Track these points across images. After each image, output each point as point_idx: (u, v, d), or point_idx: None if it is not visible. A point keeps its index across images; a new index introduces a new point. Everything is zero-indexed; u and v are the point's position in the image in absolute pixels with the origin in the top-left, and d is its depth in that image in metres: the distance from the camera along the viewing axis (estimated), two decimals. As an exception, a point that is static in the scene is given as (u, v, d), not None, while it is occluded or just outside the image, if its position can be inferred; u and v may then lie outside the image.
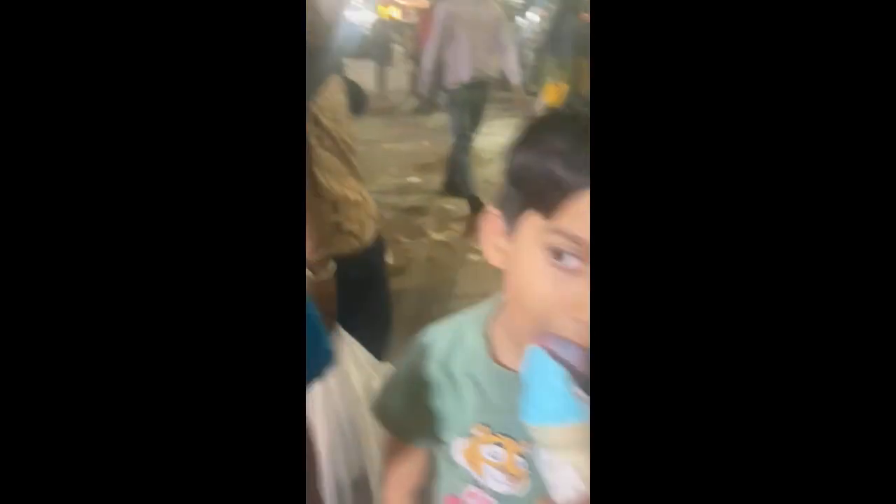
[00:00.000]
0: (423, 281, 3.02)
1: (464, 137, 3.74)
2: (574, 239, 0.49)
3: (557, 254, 0.51)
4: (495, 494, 0.68)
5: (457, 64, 3.48)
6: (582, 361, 0.52)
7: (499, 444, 0.66)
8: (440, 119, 4.76)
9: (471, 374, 0.66)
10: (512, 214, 0.57)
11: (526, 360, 0.54)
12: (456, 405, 0.67)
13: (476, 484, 0.68)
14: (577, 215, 0.49)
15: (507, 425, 0.65)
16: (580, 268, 0.50)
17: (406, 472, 0.74)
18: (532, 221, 0.54)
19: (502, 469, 0.66)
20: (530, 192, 0.54)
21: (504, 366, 0.65)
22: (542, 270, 0.52)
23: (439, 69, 3.56)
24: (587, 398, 0.51)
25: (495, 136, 4.26)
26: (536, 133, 0.56)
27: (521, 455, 0.66)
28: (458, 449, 0.68)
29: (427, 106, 5.89)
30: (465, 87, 3.54)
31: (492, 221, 0.61)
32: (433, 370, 0.67)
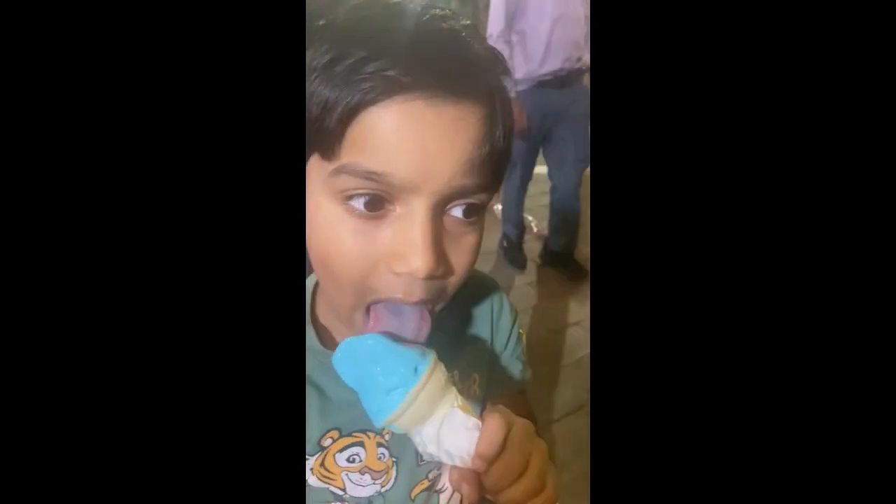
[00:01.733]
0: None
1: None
2: (366, 174, 0.40)
3: (348, 198, 0.41)
4: (364, 501, 0.58)
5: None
6: (418, 322, 0.45)
7: (356, 444, 0.56)
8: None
9: (308, 377, 0.55)
10: None
11: (339, 368, 0.45)
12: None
13: (341, 500, 0.57)
14: (360, 144, 0.40)
15: (361, 420, 0.51)
16: (387, 208, 0.42)
17: None
18: (314, 167, 0.43)
19: (364, 470, 0.57)
20: (305, 132, 0.42)
21: None
22: (340, 225, 0.42)
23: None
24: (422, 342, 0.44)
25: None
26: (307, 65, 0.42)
27: (382, 445, 0.57)
28: (307, 471, 0.56)
29: None
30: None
31: None
32: None
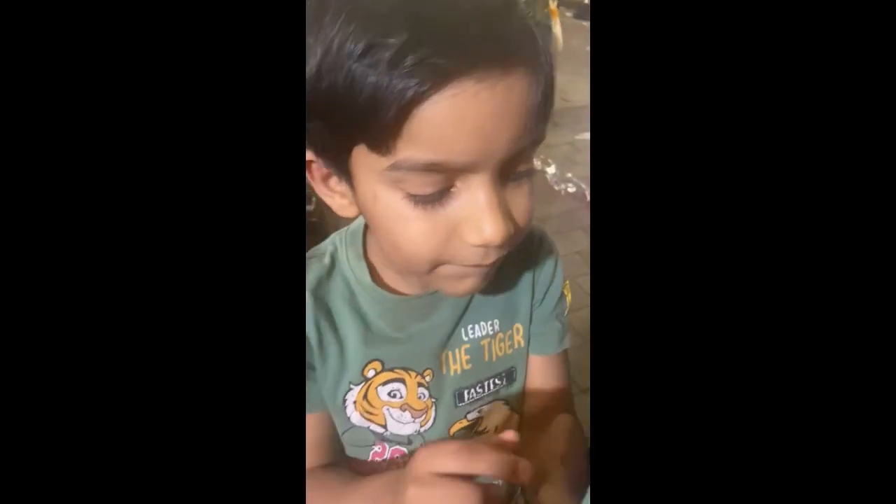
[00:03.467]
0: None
1: None
2: (426, 167, 0.39)
3: (409, 189, 0.41)
4: (403, 439, 0.60)
5: None
6: None
7: (398, 380, 0.58)
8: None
9: (354, 304, 0.56)
10: (334, 154, 0.43)
11: None
12: (339, 349, 0.56)
13: (382, 438, 0.59)
14: (417, 138, 0.38)
15: (403, 356, 0.57)
16: (450, 186, 0.41)
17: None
18: (365, 160, 0.41)
19: (404, 407, 0.59)
20: (340, 125, 0.40)
21: (392, 289, 0.56)
22: (407, 214, 0.42)
23: None
24: None
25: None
26: (335, 49, 0.38)
27: (422, 385, 0.58)
28: (350, 403, 0.57)
29: None
30: None
31: (314, 169, 0.47)
32: (308, 306, 0.55)
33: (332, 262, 0.57)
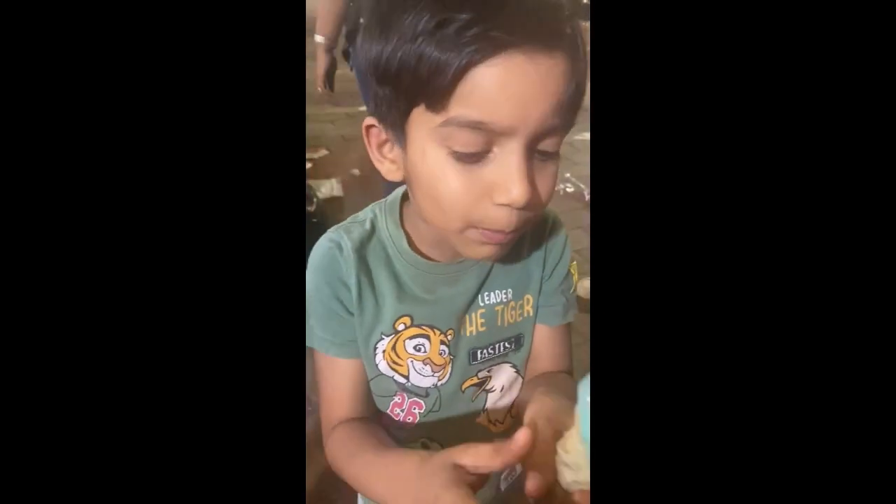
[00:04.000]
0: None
1: None
2: (472, 125, 0.46)
3: (455, 146, 0.47)
4: (422, 391, 0.67)
5: None
6: None
7: (423, 336, 0.65)
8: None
9: (390, 267, 0.63)
10: (393, 119, 0.51)
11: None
12: (375, 303, 0.63)
13: (403, 388, 0.67)
14: (468, 98, 0.45)
15: (430, 315, 0.64)
16: (489, 150, 0.47)
17: (336, 393, 0.67)
18: (421, 119, 0.48)
19: (426, 361, 0.66)
20: (405, 89, 0.47)
21: (425, 256, 0.63)
22: (448, 171, 0.48)
23: None
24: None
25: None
26: (387, 15, 0.47)
27: (444, 343, 0.65)
28: (380, 353, 0.64)
29: None
30: None
31: (372, 134, 0.55)
32: (347, 265, 0.62)
33: (372, 227, 0.64)
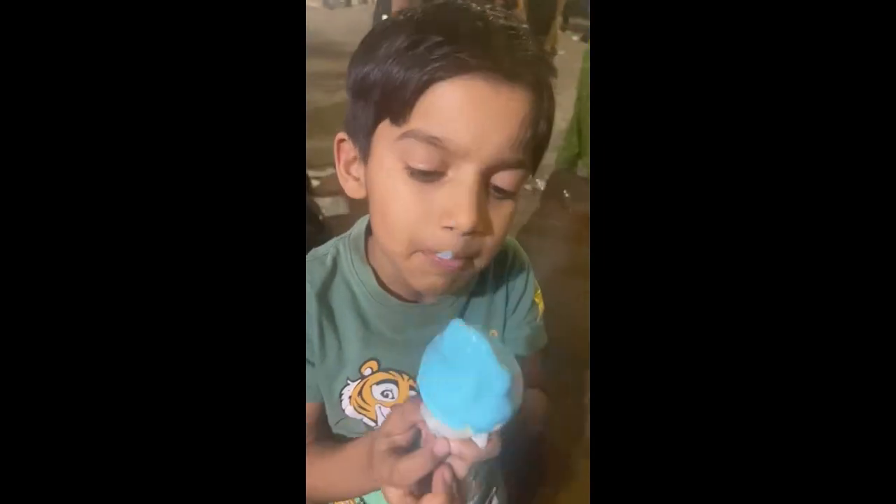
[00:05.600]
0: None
1: None
2: (429, 139, 0.47)
3: (410, 161, 0.48)
4: None
5: None
6: None
7: (391, 381, 0.63)
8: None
9: (356, 307, 0.62)
10: (362, 135, 0.53)
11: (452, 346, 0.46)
12: (338, 348, 0.61)
13: (371, 431, 0.64)
14: (428, 113, 0.47)
15: (398, 359, 0.63)
16: (441, 173, 0.48)
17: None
18: (384, 133, 0.51)
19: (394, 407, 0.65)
20: (375, 103, 0.50)
21: (393, 293, 0.62)
22: (400, 186, 0.49)
23: None
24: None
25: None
26: (372, 41, 0.52)
27: (413, 389, 0.64)
28: (346, 398, 0.63)
29: None
30: None
31: (343, 149, 0.57)
32: (310, 307, 0.61)
33: (334, 264, 0.62)
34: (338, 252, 0.64)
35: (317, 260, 0.63)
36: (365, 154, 0.54)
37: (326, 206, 2.94)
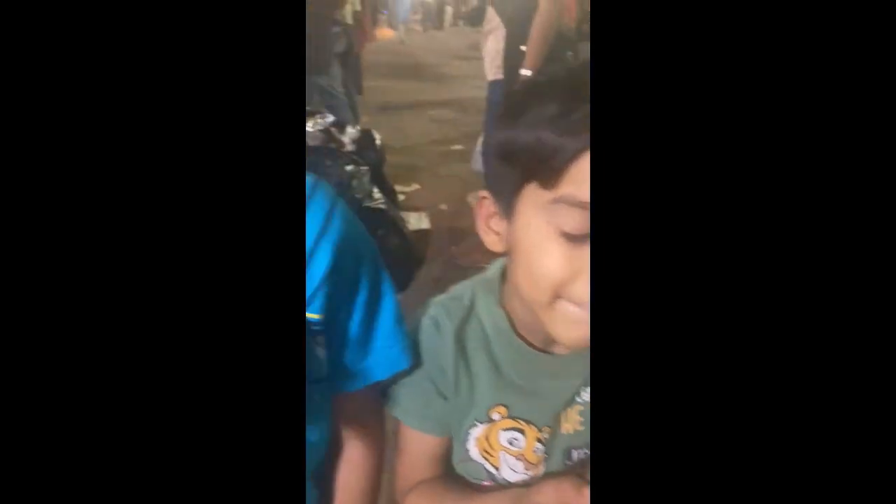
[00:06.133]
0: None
1: None
2: (580, 205, 0.47)
3: (563, 226, 0.48)
4: (510, 486, 0.64)
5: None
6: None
7: (518, 430, 0.63)
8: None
9: (488, 350, 0.62)
10: (506, 194, 0.54)
11: None
12: (470, 386, 0.61)
13: (492, 478, 0.65)
14: (579, 180, 0.47)
15: (527, 408, 0.62)
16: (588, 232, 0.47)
17: (417, 462, 0.66)
18: (532, 195, 0.51)
19: (520, 457, 0.63)
20: (523, 167, 0.50)
21: (526, 341, 0.62)
22: (549, 245, 0.50)
23: None
24: None
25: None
26: (517, 104, 0.52)
27: (539, 441, 0.63)
28: (472, 438, 0.63)
29: None
30: None
31: (484, 206, 0.57)
32: (444, 348, 0.61)
33: (471, 305, 0.64)
34: (474, 293, 0.64)
35: (455, 299, 0.64)
36: (508, 211, 0.54)
37: (411, 220, 3.05)
